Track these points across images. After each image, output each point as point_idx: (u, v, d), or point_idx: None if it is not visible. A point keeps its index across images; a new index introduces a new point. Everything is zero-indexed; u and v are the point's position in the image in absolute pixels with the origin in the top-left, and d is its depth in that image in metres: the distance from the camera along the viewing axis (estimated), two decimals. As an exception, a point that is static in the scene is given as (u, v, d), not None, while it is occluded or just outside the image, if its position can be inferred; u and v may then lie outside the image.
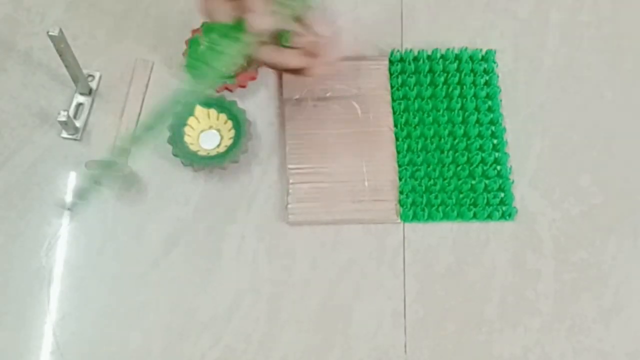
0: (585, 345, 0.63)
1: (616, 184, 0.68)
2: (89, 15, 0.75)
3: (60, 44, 0.62)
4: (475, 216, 0.66)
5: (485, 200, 0.67)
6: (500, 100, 0.71)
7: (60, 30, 0.61)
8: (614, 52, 0.74)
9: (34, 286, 0.64)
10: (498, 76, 0.72)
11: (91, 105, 0.71)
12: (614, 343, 0.63)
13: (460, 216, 0.66)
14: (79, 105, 0.70)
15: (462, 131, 0.69)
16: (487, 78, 0.71)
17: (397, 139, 0.69)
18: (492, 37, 0.74)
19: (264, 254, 0.65)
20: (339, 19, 0.75)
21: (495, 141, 0.69)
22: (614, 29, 0.75)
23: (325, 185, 0.67)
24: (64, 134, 0.69)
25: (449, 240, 0.66)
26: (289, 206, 0.66)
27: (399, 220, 0.67)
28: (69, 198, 0.67)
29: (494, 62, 0.72)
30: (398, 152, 0.69)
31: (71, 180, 0.68)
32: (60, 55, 0.64)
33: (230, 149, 0.67)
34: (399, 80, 0.71)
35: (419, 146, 0.69)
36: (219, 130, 0.69)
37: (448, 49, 0.72)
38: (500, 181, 0.67)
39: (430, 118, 0.69)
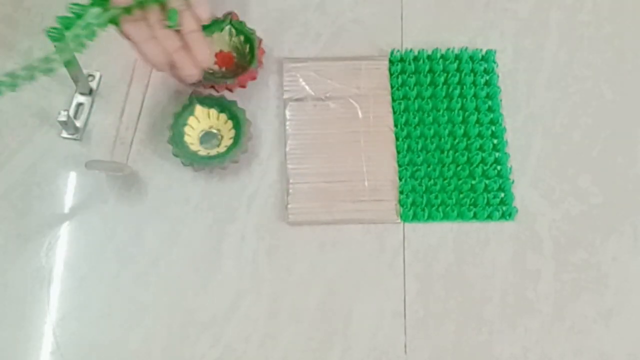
0: (585, 345, 0.63)
1: (616, 184, 0.68)
2: (89, 15, 0.75)
3: (60, 44, 0.62)
4: (475, 216, 0.66)
5: (485, 200, 0.67)
6: (500, 100, 0.71)
7: (60, 30, 0.61)
8: (614, 52, 0.74)
9: (34, 286, 0.64)
10: (498, 76, 0.72)
11: (91, 105, 0.71)
12: (614, 343, 0.63)
13: (460, 216, 0.66)
14: (79, 105, 0.70)
15: (462, 131, 0.69)
16: (487, 78, 0.71)
17: (397, 139, 0.69)
18: (492, 37, 0.74)
19: (264, 254, 0.65)
20: (339, 19, 0.75)
21: (495, 141, 0.69)
22: (614, 29, 0.75)
23: (325, 185, 0.67)
24: (64, 134, 0.69)
25: (449, 240, 0.66)
26: (289, 206, 0.66)
27: (399, 220, 0.67)
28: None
29: (494, 62, 0.72)
30: (398, 152, 0.69)
31: (71, 180, 0.68)
32: (60, 55, 0.64)
33: (230, 149, 0.67)
34: (399, 80, 0.71)
35: (419, 146, 0.69)
36: (219, 130, 0.69)
37: (448, 49, 0.72)
38: (500, 181, 0.67)
39: (430, 118, 0.69)
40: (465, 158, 0.68)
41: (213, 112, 0.69)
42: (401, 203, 0.67)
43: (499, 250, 0.66)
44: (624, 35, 0.75)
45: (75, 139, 0.69)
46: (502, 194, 0.67)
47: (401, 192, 0.67)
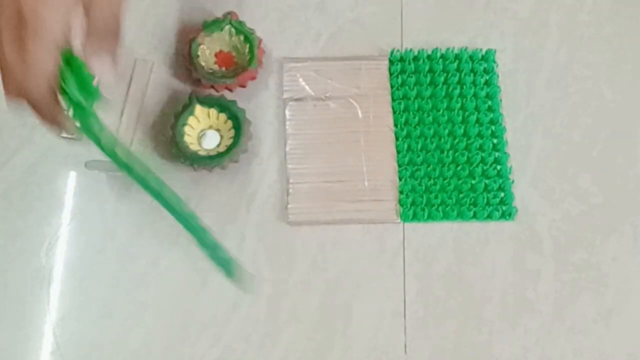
0: (585, 345, 0.63)
1: (616, 184, 0.68)
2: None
3: (60, 44, 0.62)
4: (475, 216, 0.66)
5: (485, 200, 0.67)
6: (500, 100, 0.71)
7: (60, 30, 0.61)
8: (614, 52, 0.74)
9: (34, 286, 0.64)
10: (498, 76, 0.72)
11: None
12: (614, 343, 0.63)
13: (460, 216, 0.66)
14: (79, 105, 0.70)
15: (462, 131, 0.69)
16: (487, 78, 0.71)
17: (397, 139, 0.69)
18: (492, 37, 0.74)
19: (264, 254, 0.65)
20: (339, 19, 0.75)
21: (495, 141, 0.69)
22: (614, 29, 0.75)
23: (325, 185, 0.67)
24: (64, 134, 0.69)
25: (449, 240, 0.66)
26: (289, 206, 0.66)
27: (399, 220, 0.67)
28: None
29: (494, 62, 0.72)
30: (398, 152, 0.69)
31: (71, 181, 0.68)
32: (60, 55, 0.64)
33: (230, 148, 0.67)
34: (399, 80, 0.71)
35: (419, 146, 0.69)
36: (219, 130, 0.69)
37: (448, 49, 0.72)
38: (500, 181, 0.67)
39: (430, 118, 0.69)
40: (465, 158, 0.68)
41: (213, 112, 0.69)
42: (401, 203, 0.67)
43: (499, 250, 0.66)
44: (624, 35, 0.75)
45: (75, 139, 0.69)
46: (502, 194, 0.67)
47: (401, 192, 0.67)
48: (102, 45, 0.50)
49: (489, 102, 0.70)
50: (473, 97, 0.70)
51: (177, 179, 0.68)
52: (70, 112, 0.52)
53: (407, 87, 0.70)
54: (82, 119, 0.52)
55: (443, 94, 0.71)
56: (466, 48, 0.72)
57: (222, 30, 0.72)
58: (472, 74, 0.71)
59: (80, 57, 0.50)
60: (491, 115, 0.69)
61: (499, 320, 0.63)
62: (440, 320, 0.63)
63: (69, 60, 0.49)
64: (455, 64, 0.71)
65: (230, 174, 0.68)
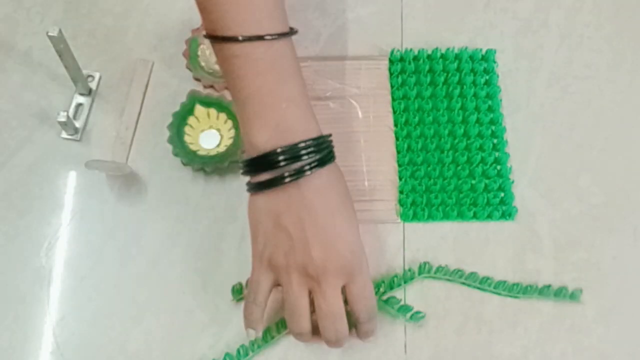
0: (585, 345, 0.63)
1: (616, 184, 0.68)
2: (88, 15, 0.75)
3: (59, 44, 0.62)
4: (475, 216, 0.66)
5: (485, 200, 0.67)
6: (500, 100, 0.71)
7: (60, 31, 0.61)
8: (614, 52, 0.74)
9: (34, 286, 0.64)
10: (498, 76, 0.72)
11: (91, 106, 0.71)
12: (614, 343, 0.63)
13: (460, 216, 0.66)
14: (79, 105, 0.70)
15: (462, 131, 0.69)
16: (487, 78, 0.71)
17: (397, 139, 0.69)
18: (492, 37, 0.74)
19: (264, 254, 0.65)
20: (339, 19, 0.75)
21: (495, 141, 0.69)
22: (614, 29, 0.75)
23: (325, 185, 0.67)
24: (64, 135, 0.69)
25: (449, 240, 0.66)
26: (289, 206, 0.66)
27: (399, 220, 0.67)
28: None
29: (494, 62, 0.72)
30: (398, 152, 0.69)
31: (71, 181, 0.68)
32: (60, 56, 0.64)
33: (230, 148, 0.67)
34: (399, 80, 0.71)
35: (419, 146, 0.69)
36: (218, 130, 0.69)
37: (448, 49, 0.72)
38: (500, 181, 0.67)
39: (430, 117, 0.69)
40: (465, 158, 0.68)
41: (212, 111, 0.69)
42: (401, 203, 0.67)
43: (499, 250, 0.66)
44: (624, 35, 0.75)
45: (75, 140, 0.69)
46: (502, 194, 0.67)
47: (401, 192, 0.67)
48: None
49: (489, 102, 0.70)
50: (473, 97, 0.70)
51: (177, 179, 0.68)
52: None
53: (407, 87, 0.70)
54: None
55: (443, 93, 0.71)
56: (466, 48, 0.72)
57: (222, 30, 0.72)
58: (472, 74, 0.71)
59: None
60: (491, 115, 0.69)
61: (499, 320, 0.63)
62: (440, 320, 0.63)
63: None
64: (455, 64, 0.71)
65: (231, 174, 0.68)
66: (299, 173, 0.54)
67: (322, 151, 0.56)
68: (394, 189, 0.67)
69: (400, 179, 0.68)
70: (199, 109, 0.69)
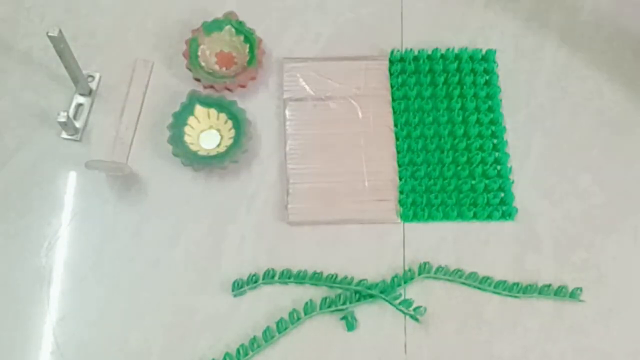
0: (585, 345, 0.63)
1: (616, 184, 0.68)
2: (89, 15, 0.75)
3: (59, 44, 0.62)
4: (475, 216, 0.66)
5: (485, 200, 0.67)
6: (500, 100, 0.71)
7: (60, 31, 0.61)
8: (614, 52, 0.74)
9: (34, 286, 0.64)
10: (498, 76, 0.72)
11: (91, 106, 0.71)
12: (614, 343, 0.63)
13: (460, 216, 0.66)
14: (79, 105, 0.70)
15: (462, 131, 0.69)
16: (487, 78, 0.71)
17: (397, 139, 0.69)
18: (492, 37, 0.74)
19: (264, 254, 0.65)
20: (339, 19, 0.75)
21: (495, 141, 0.69)
22: (614, 29, 0.75)
23: (325, 185, 0.67)
24: (64, 135, 0.69)
25: (449, 240, 0.66)
26: (289, 206, 0.66)
27: (399, 220, 0.67)
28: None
29: (494, 62, 0.72)
30: (398, 152, 0.69)
31: (71, 181, 0.68)
32: (60, 56, 0.64)
33: (230, 148, 0.67)
34: (399, 80, 0.71)
35: (419, 146, 0.69)
36: (219, 130, 0.69)
37: (448, 49, 0.72)
38: (500, 181, 0.67)
39: (430, 118, 0.69)
40: (465, 158, 0.68)
41: (213, 112, 0.69)
42: (401, 203, 0.67)
43: (499, 250, 0.66)
44: (624, 35, 0.75)
45: (75, 140, 0.69)
46: (502, 194, 0.67)
47: (401, 192, 0.67)
48: None
49: (489, 102, 0.70)
50: (473, 97, 0.70)
51: (177, 179, 0.68)
52: None
53: (407, 87, 0.70)
54: None
55: (443, 94, 0.71)
56: (466, 48, 0.72)
57: (222, 30, 0.72)
58: (472, 74, 0.71)
59: None
60: (491, 115, 0.69)
61: (499, 320, 0.63)
62: (440, 320, 0.63)
63: None
64: (455, 64, 0.71)
65: (230, 174, 0.68)
66: None
67: None
68: (394, 189, 0.67)
69: (400, 179, 0.68)
70: (199, 109, 0.69)
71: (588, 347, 0.63)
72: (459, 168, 0.68)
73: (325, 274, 0.64)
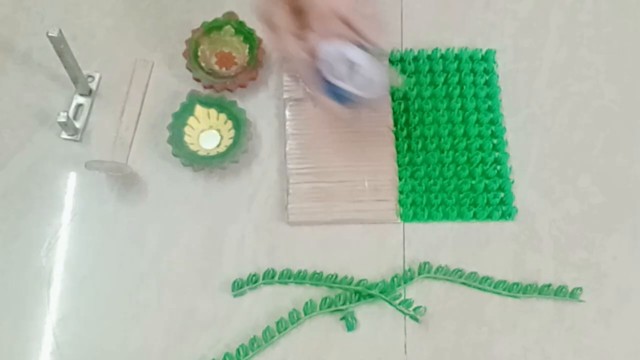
0: (585, 345, 0.63)
1: (616, 184, 0.68)
2: (89, 15, 0.75)
3: (59, 44, 0.62)
4: (475, 216, 0.66)
5: (485, 200, 0.67)
6: (500, 100, 0.71)
7: (60, 31, 0.61)
8: (614, 52, 0.74)
9: (34, 286, 0.64)
10: (498, 76, 0.72)
11: (91, 106, 0.71)
12: (614, 343, 0.63)
13: (460, 216, 0.66)
14: (79, 106, 0.70)
15: (462, 131, 0.69)
16: (487, 78, 0.71)
17: (397, 139, 0.69)
18: (492, 37, 0.74)
19: (264, 254, 0.65)
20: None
21: (495, 141, 0.69)
22: (614, 29, 0.75)
23: (325, 185, 0.67)
24: (64, 135, 0.69)
25: (449, 240, 0.66)
26: (289, 206, 0.66)
27: (399, 220, 0.67)
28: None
29: (494, 62, 0.72)
30: (398, 152, 0.69)
31: (71, 181, 0.68)
32: (60, 56, 0.64)
33: (230, 149, 0.67)
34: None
35: (419, 146, 0.69)
36: (219, 130, 0.69)
37: (448, 49, 0.72)
38: (500, 181, 0.67)
39: (430, 118, 0.69)
40: (465, 158, 0.68)
41: (213, 112, 0.69)
42: (401, 203, 0.67)
43: (499, 250, 0.66)
44: (624, 35, 0.75)
45: (74, 140, 0.69)
46: (502, 194, 0.67)
47: (401, 192, 0.67)
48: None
49: (489, 102, 0.70)
50: (473, 97, 0.70)
51: (177, 179, 0.68)
52: None
53: (407, 87, 0.70)
54: None
55: (443, 94, 0.71)
56: (466, 48, 0.72)
57: (222, 30, 0.72)
58: (472, 74, 0.71)
59: None
60: (491, 115, 0.69)
61: (499, 320, 0.63)
62: (440, 320, 0.63)
63: None
64: (455, 64, 0.71)
65: (230, 174, 0.68)
66: None
67: None
68: (393, 189, 0.67)
69: (400, 179, 0.68)
70: (199, 109, 0.69)
71: (588, 347, 0.63)
72: (459, 168, 0.68)
73: (325, 274, 0.64)
